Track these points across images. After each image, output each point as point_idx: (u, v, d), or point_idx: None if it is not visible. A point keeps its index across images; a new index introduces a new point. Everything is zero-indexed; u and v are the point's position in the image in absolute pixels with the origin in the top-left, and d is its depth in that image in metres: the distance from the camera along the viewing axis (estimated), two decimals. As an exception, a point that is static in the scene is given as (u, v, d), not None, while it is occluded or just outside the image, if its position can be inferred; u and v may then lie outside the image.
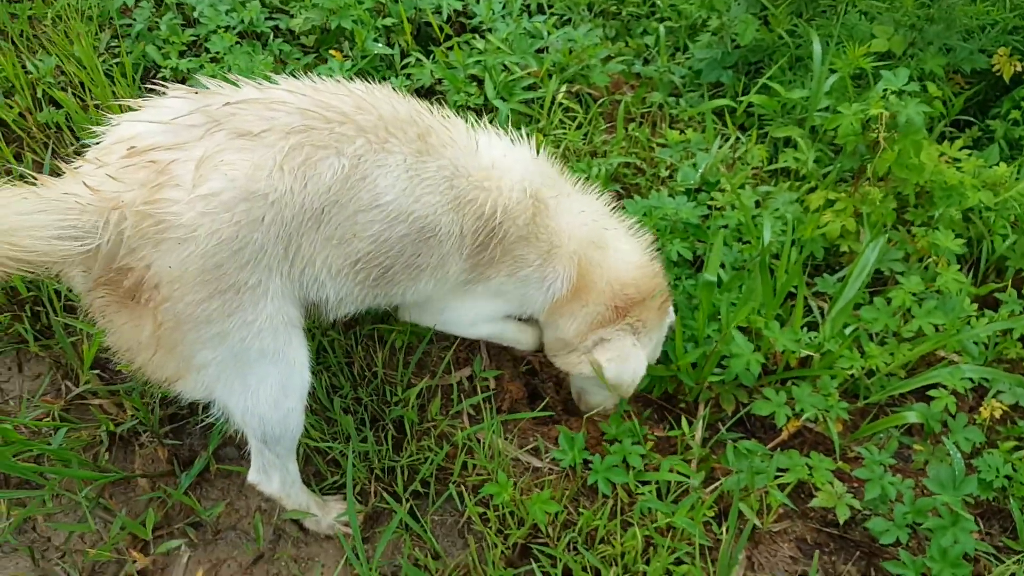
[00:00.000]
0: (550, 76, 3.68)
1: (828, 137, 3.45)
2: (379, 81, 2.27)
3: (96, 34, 3.80)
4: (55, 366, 2.75)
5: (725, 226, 3.07)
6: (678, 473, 2.49)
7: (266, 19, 3.91)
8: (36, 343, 2.77)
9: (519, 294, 2.47)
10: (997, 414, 2.60)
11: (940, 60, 3.53)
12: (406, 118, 2.10)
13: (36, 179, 1.80)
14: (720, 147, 3.44)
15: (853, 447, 2.67)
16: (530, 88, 3.63)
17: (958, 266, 2.97)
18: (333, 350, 2.71)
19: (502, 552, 2.36)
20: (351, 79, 2.17)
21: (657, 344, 2.63)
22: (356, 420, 2.60)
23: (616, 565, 2.30)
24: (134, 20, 3.84)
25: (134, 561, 2.37)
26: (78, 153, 2.60)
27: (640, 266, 2.52)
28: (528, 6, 4.20)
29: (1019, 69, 3.46)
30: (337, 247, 2.03)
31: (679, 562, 2.33)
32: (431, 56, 3.77)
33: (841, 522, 2.43)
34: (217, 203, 1.82)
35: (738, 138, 3.56)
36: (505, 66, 3.62)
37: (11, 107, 3.41)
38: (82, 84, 3.52)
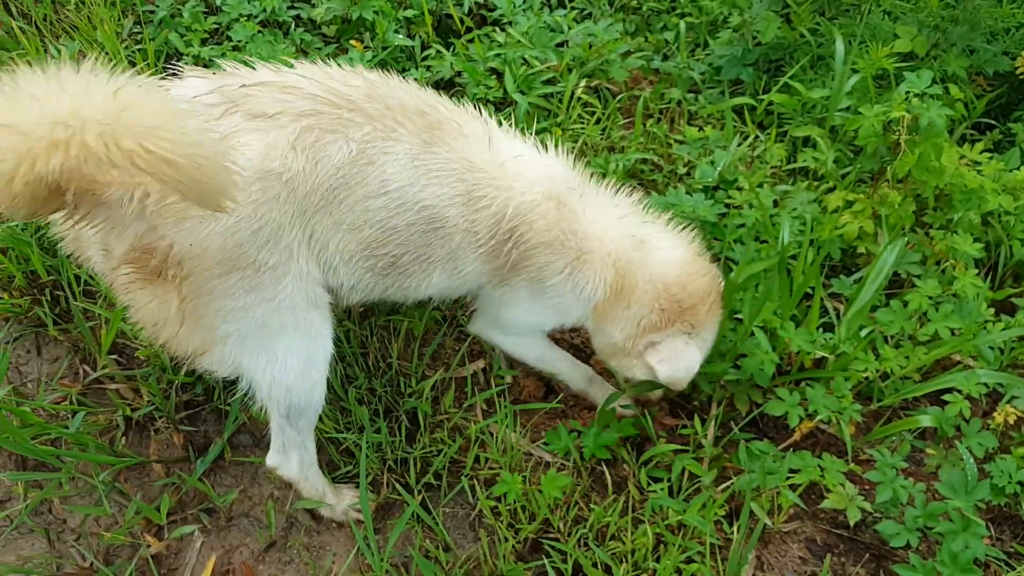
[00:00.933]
0: (569, 70, 3.67)
1: (848, 138, 3.42)
2: (399, 73, 2.29)
3: (119, 20, 3.82)
4: (73, 350, 2.78)
5: (742, 225, 3.07)
6: (690, 474, 2.49)
7: (288, 8, 3.92)
8: (55, 327, 2.80)
9: (553, 303, 2.45)
10: (1011, 420, 2.58)
11: (963, 62, 3.50)
12: (414, 109, 2.12)
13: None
14: (739, 145, 3.43)
15: (865, 449, 2.67)
16: (549, 82, 3.62)
17: (976, 270, 2.95)
18: (348, 340, 2.73)
19: (513, 546, 2.37)
20: (371, 69, 2.20)
21: (711, 342, 2.54)
22: (370, 411, 2.62)
23: (626, 562, 2.32)
24: (157, 7, 3.85)
25: (148, 545, 2.40)
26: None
27: (684, 263, 2.42)
28: (549, 0, 4.19)
29: (1043, 72, 3.43)
30: (349, 233, 2.08)
31: (689, 560, 2.34)
32: (451, 48, 3.77)
33: (851, 524, 2.43)
34: None
35: (757, 136, 3.54)
36: (525, 60, 3.62)
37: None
38: (104, 70, 3.53)
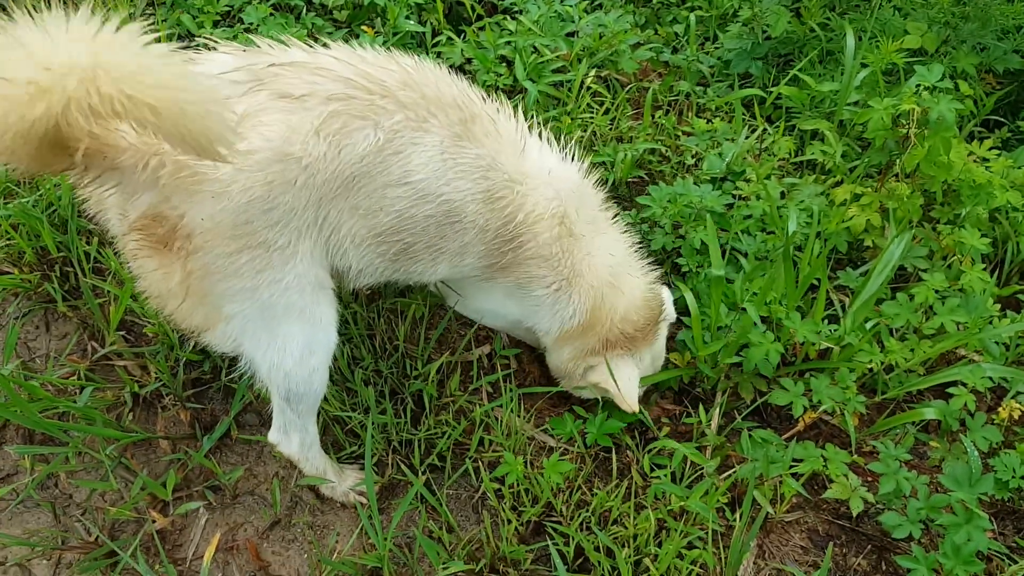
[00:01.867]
0: (579, 60, 3.68)
1: (855, 133, 3.43)
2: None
3: (131, 1, 3.82)
4: (82, 326, 2.79)
5: (749, 216, 3.07)
6: (692, 462, 2.50)
7: (300, -8, 3.93)
8: (64, 303, 2.81)
9: (528, 308, 2.53)
10: (1016, 415, 2.59)
11: (973, 59, 3.50)
12: (450, 101, 2.10)
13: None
14: (747, 137, 3.43)
15: (868, 441, 2.67)
16: (559, 71, 3.63)
17: (983, 265, 2.95)
18: (355, 322, 2.74)
19: (516, 528, 2.39)
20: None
21: (654, 357, 2.70)
22: (376, 392, 2.63)
23: (628, 546, 2.32)
24: (169, -12, 3.86)
25: (153, 521, 2.41)
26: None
27: (641, 303, 2.57)
28: (559, -10, 4.20)
29: (1053, 71, 3.44)
30: (363, 218, 2.05)
31: (691, 546, 2.35)
32: (462, 36, 3.78)
33: (854, 514, 2.44)
34: (252, 161, 1.84)
35: (765, 129, 3.55)
36: (535, 48, 3.62)
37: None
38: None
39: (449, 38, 3.73)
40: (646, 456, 2.54)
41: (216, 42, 2.01)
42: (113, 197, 1.88)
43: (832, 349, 2.71)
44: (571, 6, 3.93)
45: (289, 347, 2.10)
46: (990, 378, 2.64)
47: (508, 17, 3.91)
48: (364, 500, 2.43)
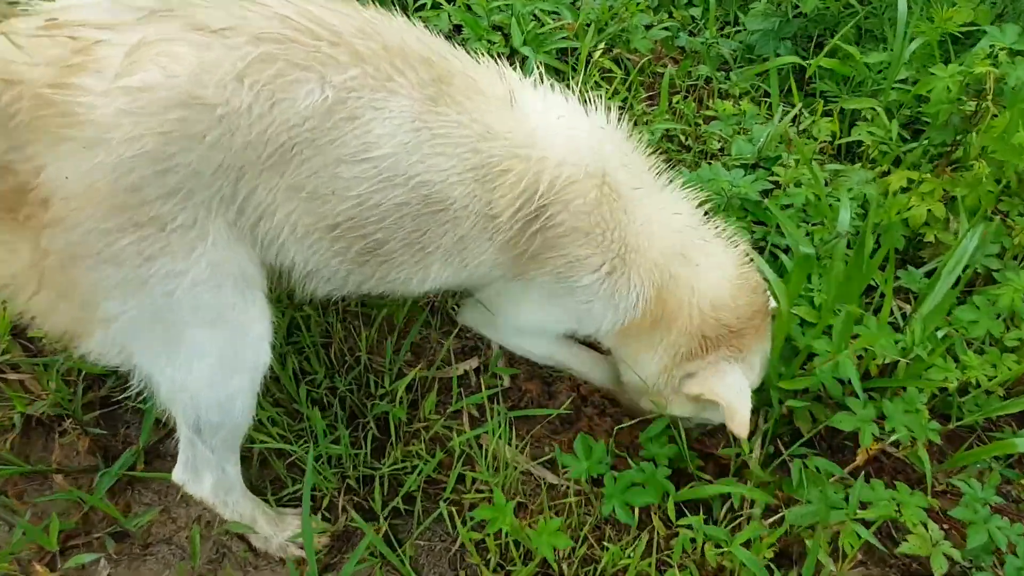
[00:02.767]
0: (586, 32, 3.20)
1: (905, 115, 2.95)
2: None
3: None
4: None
5: (789, 205, 2.58)
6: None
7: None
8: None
9: (577, 308, 1.97)
10: (1125, 447, 2.08)
11: (1033, 32, 3.04)
12: (418, 56, 1.62)
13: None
14: (780, 120, 2.94)
15: (941, 479, 2.17)
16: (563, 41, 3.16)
17: (1072, 266, 2.47)
18: (308, 328, 2.22)
19: (502, 592, 1.85)
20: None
21: (762, 364, 2.10)
22: (328, 415, 2.11)
23: (649, 618, 1.80)
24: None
25: (37, 578, 1.88)
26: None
27: (734, 281, 2.01)
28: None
29: None
30: (307, 202, 1.58)
31: (732, 616, 1.82)
32: (451, 1, 3.29)
33: (936, 576, 1.91)
34: (145, 101, 1.38)
35: (801, 111, 3.06)
36: (535, 15, 3.14)
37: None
38: None
39: (435, 3, 3.26)
40: (669, 499, 2.00)
41: None
42: None
43: (898, 364, 2.19)
44: (576, -29, 3.45)
45: (197, 363, 1.61)
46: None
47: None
48: (304, 555, 1.89)
